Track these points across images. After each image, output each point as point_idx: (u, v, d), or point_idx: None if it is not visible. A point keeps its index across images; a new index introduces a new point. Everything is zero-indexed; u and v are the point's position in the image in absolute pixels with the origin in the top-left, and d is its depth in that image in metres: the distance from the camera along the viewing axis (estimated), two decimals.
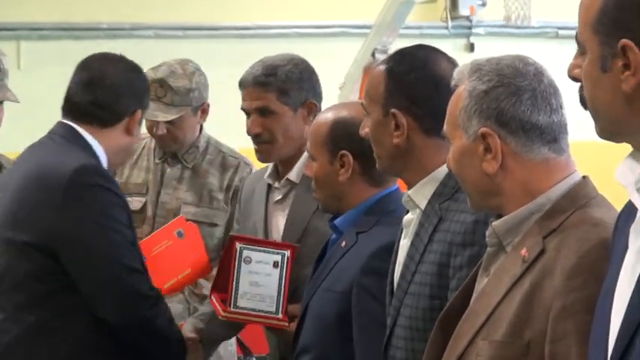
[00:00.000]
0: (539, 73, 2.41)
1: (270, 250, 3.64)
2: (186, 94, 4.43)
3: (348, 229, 3.32)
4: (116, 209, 3.48)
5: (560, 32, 8.73)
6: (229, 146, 4.62)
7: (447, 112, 2.47)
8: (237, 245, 3.66)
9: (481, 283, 2.40)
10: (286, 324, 3.56)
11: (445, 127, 2.48)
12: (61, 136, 3.55)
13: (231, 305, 3.68)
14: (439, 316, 2.47)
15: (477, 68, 2.42)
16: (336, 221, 3.37)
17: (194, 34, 8.32)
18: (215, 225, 4.46)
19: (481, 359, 2.29)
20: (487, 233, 2.42)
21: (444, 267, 2.76)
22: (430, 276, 2.79)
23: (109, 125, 3.57)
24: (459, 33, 8.79)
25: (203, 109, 4.50)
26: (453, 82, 2.49)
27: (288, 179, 3.89)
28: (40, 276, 3.44)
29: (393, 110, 2.91)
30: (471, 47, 8.83)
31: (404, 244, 2.92)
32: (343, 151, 3.33)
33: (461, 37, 8.80)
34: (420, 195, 2.89)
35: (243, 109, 3.99)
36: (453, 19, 8.76)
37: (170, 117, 4.41)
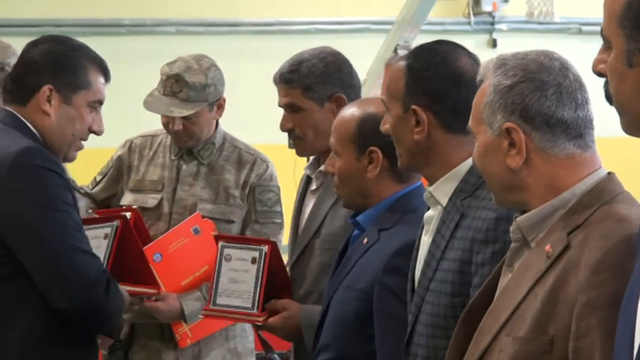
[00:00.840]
0: (564, 68, 2.40)
1: (249, 246, 3.68)
2: (202, 90, 4.41)
3: (370, 225, 3.30)
4: (61, 190, 3.39)
5: (583, 28, 8.71)
6: (245, 142, 4.61)
7: (472, 107, 2.46)
8: (220, 244, 3.72)
9: (505, 278, 2.40)
10: (260, 319, 3.60)
11: (470, 121, 2.47)
12: (1, 120, 3.48)
13: (211, 303, 3.73)
14: (463, 312, 2.47)
15: (501, 63, 2.41)
16: (359, 218, 3.35)
17: (215, 30, 8.32)
18: (231, 222, 4.44)
19: (505, 355, 2.28)
20: (511, 229, 2.41)
21: (465, 264, 2.75)
22: (451, 273, 2.78)
23: (23, 103, 3.47)
24: (481, 29, 8.77)
25: (219, 105, 4.49)
26: (478, 77, 2.48)
27: (320, 171, 3.89)
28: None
29: (413, 107, 2.90)
30: (494, 43, 8.81)
31: (425, 240, 2.91)
32: (373, 148, 3.29)
33: (483, 33, 8.78)
34: (441, 192, 2.88)
35: (279, 105, 4.01)
36: (475, 14, 8.75)
37: (186, 112, 4.39)
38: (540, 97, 2.37)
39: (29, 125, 3.45)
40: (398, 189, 3.31)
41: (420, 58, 2.93)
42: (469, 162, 2.84)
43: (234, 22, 8.38)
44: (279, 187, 4.51)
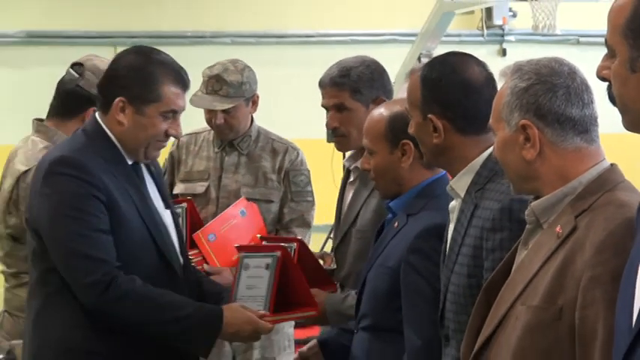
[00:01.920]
0: (572, 72, 2.37)
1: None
2: (239, 87, 4.43)
3: (400, 211, 3.28)
4: (78, 199, 3.21)
5: (581, 39, 8.62)
6: (279, 134, 4.61)
7: (492, 107, 2.44)
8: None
9: (521, 255, 2.38)
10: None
11: (491, 119, 2.45)
12: (83, 129, 3.41)
13: None
14: (484, 284, 2.45)
15: (518, 68, 2.39)
16: (391, 204, 3.32)
17: (264, 41, 8.31)
18: (271, 202, 4.48)
19: (520, 322, 2.26)
20: (526, 212, 2.39)
21: (477, 249, 2.73)
22: (468, 257, 2.76)
23: (105, 111, 3.35)
24: (492, 40, 8.71)
25: (254, 101, 4.52)
26: (497, 79, 2.45)
27: (357, 166, 3.84)
28: (40, 254, 3.32)
29: (429, 115, 2.87)
30: (504, 52, 8.74)
31: (450, 227, 2.89)
32: (405, 141, 3.25)
33: (494, 43, 8.71)
34: (459, 185, 2.85)
35: (323, 105, 3.96)
36: (487, 27, 8.69)
37: (227, 106, 4.40)
38: (552, 98, 2.34)
39: (108, 132, 3.34)
40: (428, 175, 3.28)
41: (432, 70, 2.89)
42: (482, 157, 2.83)
43: (280, 34, 8.37)
44: (309, 171, 4.54)
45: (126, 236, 3.26)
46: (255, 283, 3.43)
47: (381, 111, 3.38)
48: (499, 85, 2.45)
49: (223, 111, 4.43)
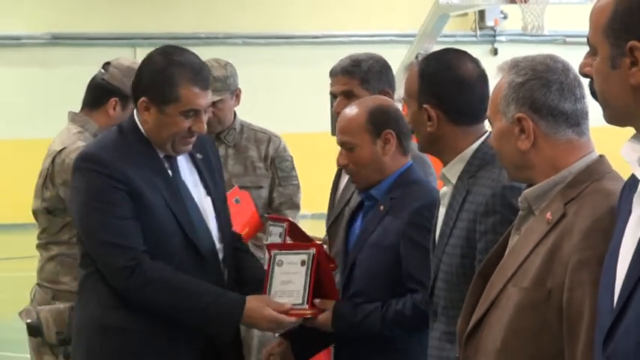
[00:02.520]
0: (566, 69, 2.36)
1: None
2: (225, 81, 4.43)
3: (382, 196, 3.31)
4: (102, 191, 3.24)
5: (567, 39, 8.63)
6: (260, 125, 4.59)
7: (490, 100, 2.43)
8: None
9: (513, 240, 2.37)
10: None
11: (488, 111, 2.44)
12: (119, 124, 3.44)
13: None
14: (479, 267, 2.44)
15: (515, 64, 2.38)
16: (372, 191, 3.35)
17: (273, 42, 8.32)
18: (260, 187, 4.48)
19: (511, 302, 2.25)
20: (519, 199, 2.38)
21: (471, 232, 2.74)
22: (461, 239, 2.77)
23: (136, 109, 3.36)
24: (485, 40, 8.71)
25: (237, 95, 4.52)
26: (491, 76, 2.44)
27: None
28: (79, 239, 3.39)
29: (424, 105, 2.88)
30: (495, 51, 8.77)
31: (441, 212, 2.90)
32: (387, 130, 3.30)
33: (487, 43, 8.72)
34: (451, 172, 2.87)
35: (331, 93, 4.01)
36: (480, 29, 8.69)
37: (216, 98, 4.32)
38: (546, 92, 2.33)
39: (140, 128, 3.34)
40: (405, 161, 3.34)
41: (429, 65, 2.92)
42: (473, 147, 2.85)
43: (288, 35, 8.38)
44: (292, 157, 4.54)
45: (151, 223, 3.26)
46: (290, 279, 3.37)
47: (354, 108, 3.39)
48: (496, 79, 2.43)
49: (211, 105, 4.42)
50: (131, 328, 3.26)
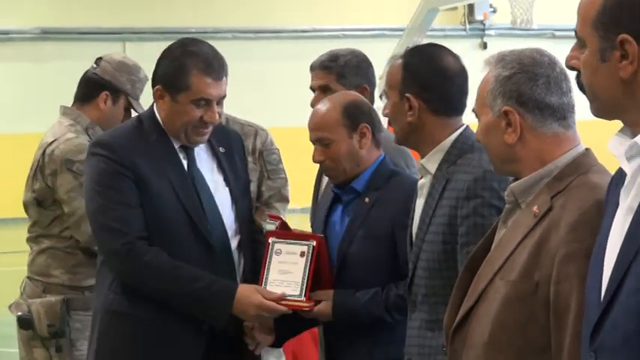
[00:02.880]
0: (552, 63, 2.36)
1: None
2: None
3: (364, 188, 3.34)
4: (105, 175, 3.30)
5: (556, 33, 8.64)
6: (247, 119, 4.51)
7: (477, 94, 2.43)
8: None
9: (500, 233, 2.37)
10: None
11: (475, 105, 2.44)
12: (139, 114, 3.51)
13: None
14: (466, 260, 2.44)
15: (501, 58, 2.38)
16: (354, 184, 3.36)
17: (263, 36, 8.30)
18: (250, 181, 4.44)
19: (498, 295, 2.25)
20: (505, 193, 2.38)
21: (452, 217, 2.78)
22: (442, 226, 2.81)
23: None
24: (474, 34, 8.71)
25: None
26: (481, 69, 2.45)
27: None
28: None
29: (407, 94, 2.92)
30: (484, 45, 8.76)
31: (419, 203, 2.94)
32: (362, 124, 3.33)
33: (476, 37, 8.72)
34: (430, 163, 2.91)
35: (311, 87, 4.02)
36: (469, 23, 8.69)
37: None
38: (533, 86, 2.33)
39: (158, 117, 3.40)
40: (379, 154, 3.38)
41: (413, 57, 2.97)
42: (452, 138, 2.90)
43: (277, 29, 8.37)
44: (279, 150, 4.47)
45: (157, 212, 3.31)
46: (288, 269, 3.35)
47: (327, 103, 3.41)
48: (482, 73, 2.44)
49: None
50: (137, 314, 3.31)
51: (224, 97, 3.40)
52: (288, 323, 3.40)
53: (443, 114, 2.91)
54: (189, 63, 3.32)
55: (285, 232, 3.48)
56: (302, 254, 3.34)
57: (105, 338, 3.37)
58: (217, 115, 3.35)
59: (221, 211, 3.40)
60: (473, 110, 2.46)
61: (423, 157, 2.94)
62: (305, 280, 3.31)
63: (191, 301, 3.28)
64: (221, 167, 3.46)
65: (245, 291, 3.29)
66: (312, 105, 3.92)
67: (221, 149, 3.48)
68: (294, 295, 3.32)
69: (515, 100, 2.33)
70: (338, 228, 3.38)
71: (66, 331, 4.00)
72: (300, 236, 3.45)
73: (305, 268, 3.33)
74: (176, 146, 3.39)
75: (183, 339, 3.31)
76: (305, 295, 3.32)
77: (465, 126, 2.95)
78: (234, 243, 3.42)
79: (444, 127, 2.91)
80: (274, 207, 4.34)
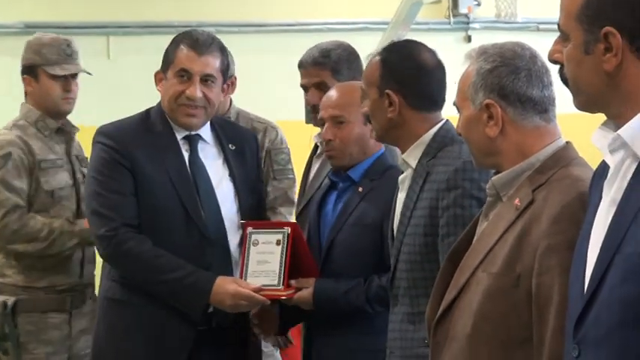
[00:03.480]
0: (533, 56, 2.37)
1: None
2: None
3: (360, 178, 3.36)
4: (105, 163, 3.38)
5: (541, 26, 8.61)
6: (257, 114, 4.45)
7: (458, 87, 2.44)
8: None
9: (482, 226, 2.38)
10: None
11: (456, 99, 2.45)
12: (150, 107, 3.54)
13: None
14: (448, 252, 2.45)
15: (483, 51, 2.38)
16: (350, 173, 3.38)
17: (247, 30, 8.27)
18: (261, 181, 4.39)
19: (480, 287, 2.26)
20: (487, 186, 2.39)
21: (433, 209, 2.80)
22: (424, 218, 2.83)
23: None
24: (458, 27, 8.68)
25: (231, 82, 4.36)
26: (463, 62, 2.45)
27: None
28: None
29: (387, 91, 2.93)
30: (469, 39, 8.72)
31: (400, 197, 2.96)
32: None
33: (460, 30, 8.69)
34: (411, 157, 2.92)
35: (302, 85, 3.94)
36: (454, 16, 8.66)
37: None
38: (514, 79, 2.34)
39: (164, 109, 3.48)
40: (380, 147, 3.41)
41: (391, 53, 2.98)
42: (431, 133, 2.92)
43: (261, 22, 8.33)
44: (289, 149, 4.39)
45: (151, 201, 3.35)
46: (266, 259, 3.35)
47: (348, 85, 3.46)
48: (464, 66, 2.44)
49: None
50: (131, 301, 3.37)
51: (211, 76, 3.41)
52: (292, 310, 3.41)
53: (423, 109, 2.92)
54: (177, 39, 3.45)
55: (260, 222, 3.47)
56: (277, 242, 3.34)
57: (102, 324, 3.46)
58: (200, 93, 3.37)
59: (221, 204, 3.41)
60: (454, 104, 2.46)
61: (403, 152, 2.95)
62: (282, 269, 3.30)
63: (166, 291, 3.31)
64: (227, 162, 3.48)
65: (222, 282, 3.30)
66: (310, 104, 3.92)
67: (231, 146, 3.51)
68: (273, 285, 3.30)
69: (497, 93, 2.34)
70: (330, 216, 3.40)
71: (10, 334, 3.93)
72: (275, 224, 3.48)
73: (281, 257, 3.32)
74: (179, 137, 3.42)
75: (177, 327, 3.33)
76: (283, 284, 3.30)
77: (444, 120, 2.96)
78: (236, 237, 3.43)
79: (424, 121, 2.92)
80: (278, 210, 4.21)
